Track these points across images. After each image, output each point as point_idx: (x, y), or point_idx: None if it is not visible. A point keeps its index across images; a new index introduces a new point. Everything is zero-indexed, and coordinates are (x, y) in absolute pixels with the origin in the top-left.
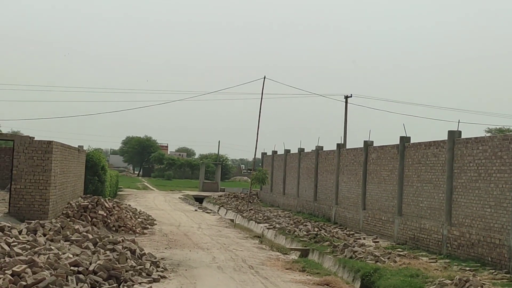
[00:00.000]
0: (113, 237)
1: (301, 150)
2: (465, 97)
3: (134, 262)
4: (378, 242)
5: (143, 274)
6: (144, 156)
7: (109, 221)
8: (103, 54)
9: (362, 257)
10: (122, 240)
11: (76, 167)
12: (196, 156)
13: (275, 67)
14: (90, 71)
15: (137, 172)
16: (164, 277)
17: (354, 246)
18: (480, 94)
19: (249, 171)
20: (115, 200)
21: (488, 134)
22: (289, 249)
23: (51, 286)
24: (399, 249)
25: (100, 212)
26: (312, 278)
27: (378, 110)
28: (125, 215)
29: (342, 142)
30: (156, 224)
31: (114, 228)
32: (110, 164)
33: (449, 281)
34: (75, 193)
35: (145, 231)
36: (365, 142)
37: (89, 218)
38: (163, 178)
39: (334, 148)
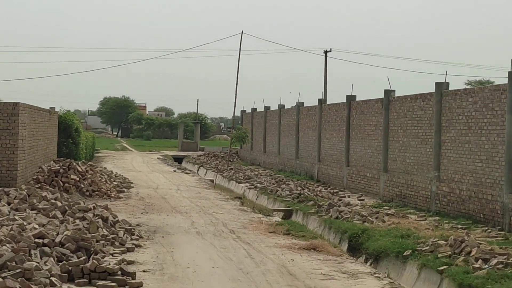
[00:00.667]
0: (84, 203)
1: (281, 107)
2: (450, 50)
3: (106, 230)
4: (363, 200)
5: (116, 243)
6: (122, 117)
7: (82, 185)
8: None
9: (348, 217)
10: (94, 207)
11: (47, 130)
12: (175, 116)
13: (253, 22)
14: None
15: (115, 133)
16: (139, 245)
17: (339, 206)
18: (466, 46)
19: (228, 130)
20: (89, 163)
21: (468, 87)
22: (272, 210)
23: (9, 263)
24: (385, 207)
25: (72, 176)
26: (298, 241)
27: (360, 64)
28: (100, 178)
29: (323, 98)
30: (133, 187)
31: (88, 193)
32: (88, 125)
33: (443, 242)
34: (48, 157)
35: (121, 195)
36: (348, 96)
37: (61, 183)
38: (142, 138)
39: (316, 103)
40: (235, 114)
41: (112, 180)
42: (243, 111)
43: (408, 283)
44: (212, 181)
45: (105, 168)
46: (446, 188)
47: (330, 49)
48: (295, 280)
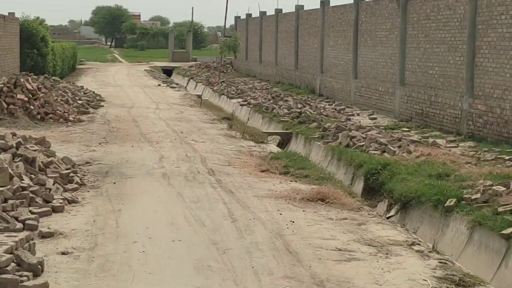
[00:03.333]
0: (14, 136)
1: (278, 11)
2: None
3: (28, 180)
4: (375, 118)
5: (38, 200)
6: (116, 27)
7: (32, 107)
8: None
9: (363, 145)
10: (20, 142)
11: (5, 38)
12: (171, 25)
13: None
14: None
15: (109, 44)
16: (74, 201)
17: (350, 130)
18: None
19: (226, 38)
20: (52, 78)
21: None
22: (266, 134)
23: None
24: (404, 128)
25: (19, 96)
26: (299, 186)
27: None
28: (55, 98)
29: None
30: (102, 106)
31: (39, 116)
32: (82, 36)
33: (502, 188)
34: (5, 70)
35: (84, 117)
36: None
37: (5, 105)
38: (136, 48)
39: (318, 6)
40: (230, 22)
41: (76, 98)
42: (237, 17)
43: (454, 247)
44: (199, 96)
45: (73, 83)
46: (483, 106)
47: None
48: (296, 266)
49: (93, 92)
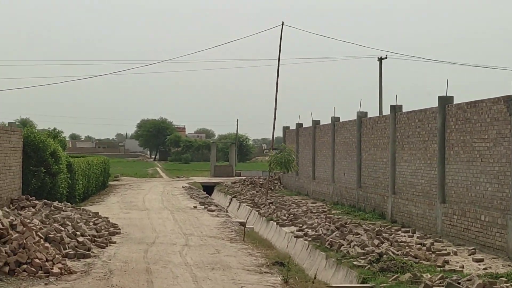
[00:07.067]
0: None
1: (335, 120)
2: None
3: None
4: (482, 260)
5: None
6: (160, 140)
7: None
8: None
9: None
10: None
11: None
12: (216, 137)
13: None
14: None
15: (153, 157)
16: None
17: None
18: None
19: (276, 151)
20: (54, 204)
21: None
22: None
23: None
24: None
25: None
26: None
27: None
28: (37, 239)
29: (378, 108)
30: (114, 242)
31: (7, 269)
32: (126, 149)
33: None
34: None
35: (77, 265)
36: (440, 98)
37: None
38: (180, 161)
39: (386, 112)
40: (277, 134)
41: (78, 233)
42: (285, 128)
43: None
44: (242, 224)
45: (84, 210)
46: None
47: (386, 55)
48: None
49: (108, 220)
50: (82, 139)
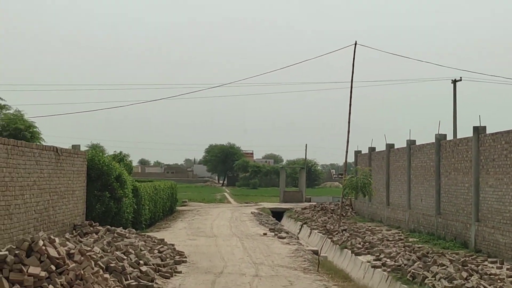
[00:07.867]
0: None
1: (411, 143)
2: None
3: None
4: None
5: None
6: (228, 165)
7: (52, 287)
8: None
9: None
10: None
11: (59, 178)
12: (284, 163)
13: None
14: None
15: (221, 182)
16: None
17: None
18: None
19: (340, 176)
20: (118, 230)
21: None
22: None
23: None
24: None
25: (32, 270)
26: None
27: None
28: (95, 270)
29: (452, 131)
30: (180, 272)
31: None
32: (195, 174)
33: None
34: (59, 221)
35: None
36: None
37: (8, 286)
38: (248, 187)
39: (467, 134)
40: (348, 158)
41: (141, 262)
42: (357, 152)
43: None
44: (315, 253)
45: (149, 236)
46: None
47: (460, 77)
48: None
49: (174, 248)
50: (151, 164)
